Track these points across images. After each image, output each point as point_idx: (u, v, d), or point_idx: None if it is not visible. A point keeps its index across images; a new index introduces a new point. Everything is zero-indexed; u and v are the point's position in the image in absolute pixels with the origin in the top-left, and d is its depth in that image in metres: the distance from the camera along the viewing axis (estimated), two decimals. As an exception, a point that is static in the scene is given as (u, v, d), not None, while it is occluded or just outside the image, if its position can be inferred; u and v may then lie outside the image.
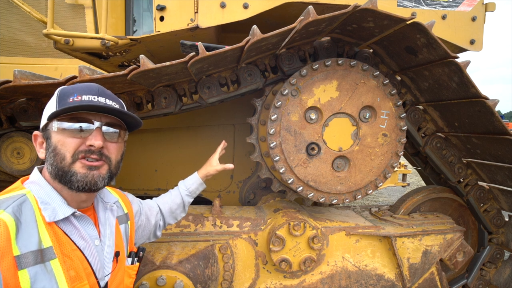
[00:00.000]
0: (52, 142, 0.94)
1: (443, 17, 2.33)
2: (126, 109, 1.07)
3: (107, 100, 0.99)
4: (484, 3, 2.40)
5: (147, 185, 2.73)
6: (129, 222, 1.23)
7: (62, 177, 0.93)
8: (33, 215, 0.86)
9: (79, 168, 0.93)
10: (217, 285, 1.93)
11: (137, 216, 1.33)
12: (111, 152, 1.00)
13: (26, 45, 2.99)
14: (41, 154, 0.99)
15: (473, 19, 2.37)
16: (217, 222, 2.03)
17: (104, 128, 0.97)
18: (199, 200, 2.72)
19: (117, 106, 1.02)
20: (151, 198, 1.51)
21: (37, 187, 0.94)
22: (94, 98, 0.96)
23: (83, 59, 2.52)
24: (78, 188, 0.93)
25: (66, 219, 0.93)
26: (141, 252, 1.22)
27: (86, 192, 0.96)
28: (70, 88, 0.98)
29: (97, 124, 0.95)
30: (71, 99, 0.94)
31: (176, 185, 1.59)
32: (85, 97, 0.95)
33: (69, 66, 3.01)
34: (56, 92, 0.99)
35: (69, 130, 0.93)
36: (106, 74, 1.58)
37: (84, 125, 0.94)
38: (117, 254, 1.07)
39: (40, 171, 1.00)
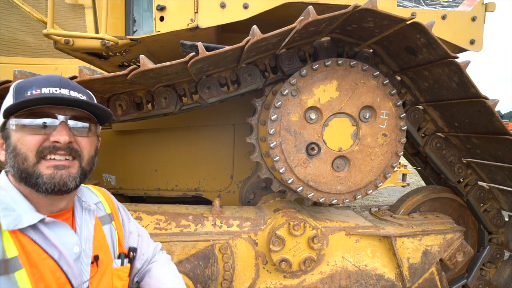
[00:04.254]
0: (11, 141, 0.85)
1: (443, 17, 2.32)
2: (96, 101, 0.97)
3: (72, 92, 0.89)
4: (484, 3, 2.39)
5: (147, 185, 2.72)
6: (113, 222, 1.13)
7: (27, 180, 0.84)
8: None
9: (44, 169, 0.84)
10: (217, 285, 1.93)
11: (127, 229, 1.20)
12: (82, 146, 0.91)
13: (26, 45, 2.99)
14: (1, 156, 0.89)
15: (473, 19, 2.36)
16: (217, 222, 2.03)
17: (72, 122, 0.88)
18: (199, 200, 2.73)
19: (84, 97, 0.92)
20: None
21: (3, 192, 0.86)
22: (56, 90, 0.87)
23: (83, 59, 2.53)
24: (47, 191, 0.84)
25: (34, 226, 0.84)
26: (131, 253, 1.15)
27: (56, 194, 0.87)
28: (27, 81, 0.89)
29: (61, 118, 0.86)
30: (29, 93, 0.85)
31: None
32: (45, 90, 0.86)
33: (69, 66, 3.01)
34: (12, 87, 0.89)
35: (29, 126, 0.84)
36: (106, 74, 1.58)
37: (47, 120, 0.85)
38: (96, 258, 0.98)
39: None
